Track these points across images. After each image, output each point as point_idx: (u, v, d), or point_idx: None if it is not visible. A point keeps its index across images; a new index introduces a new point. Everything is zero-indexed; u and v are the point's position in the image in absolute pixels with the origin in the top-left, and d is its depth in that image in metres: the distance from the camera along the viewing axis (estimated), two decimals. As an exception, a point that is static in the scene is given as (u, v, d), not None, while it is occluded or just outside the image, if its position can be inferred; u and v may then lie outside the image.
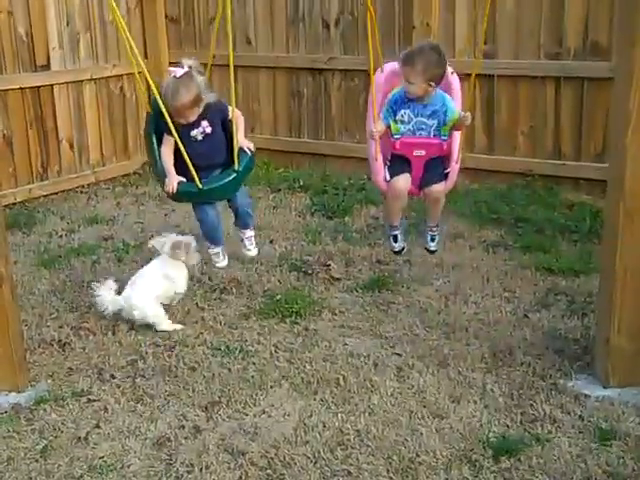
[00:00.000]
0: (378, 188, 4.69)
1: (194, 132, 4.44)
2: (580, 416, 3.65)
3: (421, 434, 3.56)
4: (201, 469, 3.37)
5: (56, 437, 3.63)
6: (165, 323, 4.65)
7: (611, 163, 4.03)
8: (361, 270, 5.44)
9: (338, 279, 5.31)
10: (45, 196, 7.33)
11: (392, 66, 4.58)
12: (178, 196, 4.52)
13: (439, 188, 4.50)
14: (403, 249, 4.85)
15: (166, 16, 8.34)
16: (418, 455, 3.41)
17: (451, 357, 4.22)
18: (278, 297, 4.96)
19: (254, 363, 4.24)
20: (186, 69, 4.34)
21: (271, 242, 6.02)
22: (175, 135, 4.22)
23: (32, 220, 6.70)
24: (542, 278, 5.20)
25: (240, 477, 3.32)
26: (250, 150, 4.54)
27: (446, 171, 4.52)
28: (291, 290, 5.11)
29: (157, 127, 4.46)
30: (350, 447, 3.49)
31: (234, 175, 4.44)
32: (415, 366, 4.15)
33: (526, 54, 6.70)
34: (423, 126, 4.45)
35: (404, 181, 4.46)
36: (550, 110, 6.73)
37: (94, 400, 3.93)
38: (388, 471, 3.32)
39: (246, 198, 4.81)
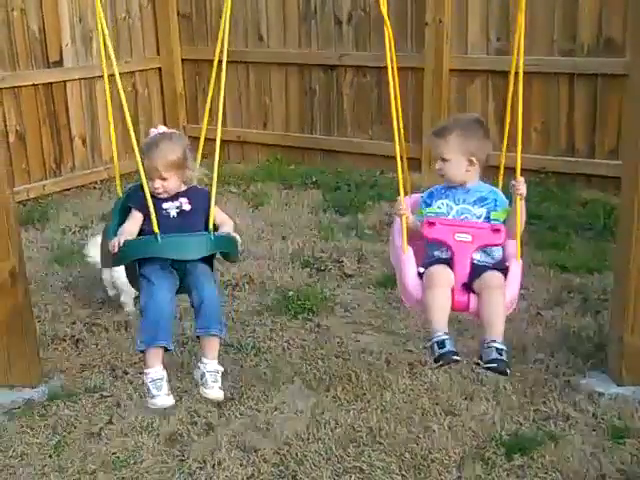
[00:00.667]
0: (405, 297, 3.46)
1: (167, 204, 3.43)
2: (593, 414, 3.65)
3: (433, 431, 3.56)
4: (213, 465, 3.37)
5: (69, 433, 3.65)
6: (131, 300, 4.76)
7: (625, 160, 4.01)
8: (374, 266, 5.43)
9: (351, 276, 5.31)
10: (58, 192, 7.35)
11: (417, 197, 3.68)
12: (125, 250, 3.29)
13: (494, 275, 3.29)
14: (455, 354, 3.18)
15: (178, 13, 8.34)
16: (430, 452, 3.41)
17: (464, 354, 4.19)
18: (290, 294, 4.96)
19: (266, 360, 4.24)
20: (172, 130, 3.62)
21: (283, 238, 6.03)
22: (150, 204, 3.25)
23: (45, 216, 6.72)
24: (555, 275, 5.18)
25: (252, 474, 3.32)
26: (235, 237, 3.48)
27: (504, 265, 3.40)
28: (303, 286, 5.11)
29: (123, 204, 3.54)
30: (362, 444, 3.49)
31: (205, 235, 3.37)
32: (428, 363, 4.12)
33: (539, 50, 6.66)
34: (467, 215, 3.44)
35: (444, 270, 3.29)
36: (563, 107, 6.70)
37: (107, 396, 3.94)
38: (400, 468, 3.32)
39: (214, 290, 3.40)
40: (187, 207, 3.47)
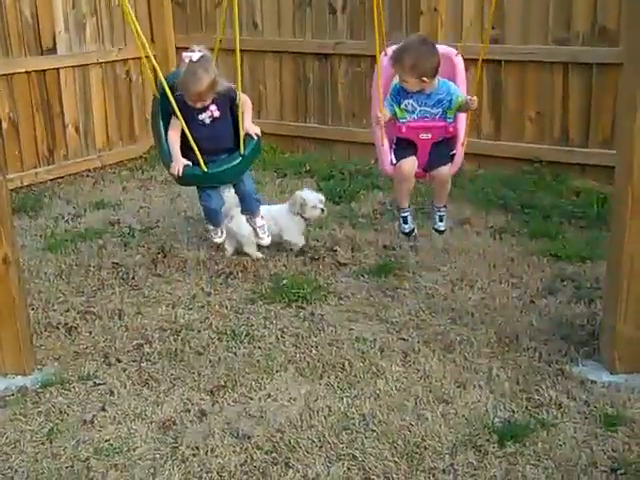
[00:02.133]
0: (384, 173, 4.82)
1: (202, 116, 4.48)
2: (586, 402, 3.66)
3: (426, 419, 3.56)
4: (206, 452, 3.37)
5: (62, 420, 3.64)
6: (252, 248, 5.40)
7: (619, 150, 4.01)
8: (367, 255, 5.43)
9: (344, 264, 5.30)
10: (51, 180, 7.33)
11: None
12: (184, 179, 4.55)
13: (445, 170, 4.63)
14: (413, 230, 4.94)
15: (172, 0, 8.30)
16: (423, 440, 3.41)
17: (457, 342, 4.22)
18: (284, 282, 4.96)
19: (260, 347, 4.24)
20: (201, 53, 4.44)
21: (277, 227, 6.02)
22: (181, 119, 4.31)
23: (38, 204, 6.70)
24: (549, 264, 5.19)
25: (245, 461, 3.32)
26: (257, 135, 4.60)
27: (452, 153, 4.62)
28: (297, 275, 5.11)
29: (164, 110, 4.49)
30: (355, 431, 3.49)
31: (240, 159, 4.49)
32: (421, 351, 4.15)
33: (534, 39, 6.66)
34: (427, 115, 4.52)
35: (410, 164, 4.54)
36: (558, 96, 6.69)
37: (100, 384, 3.93)
38: (393, 455, 3.32)
39: (252, 184, 4.93)
40: (217, 114, 4.53)
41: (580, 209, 5.99)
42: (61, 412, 3.70)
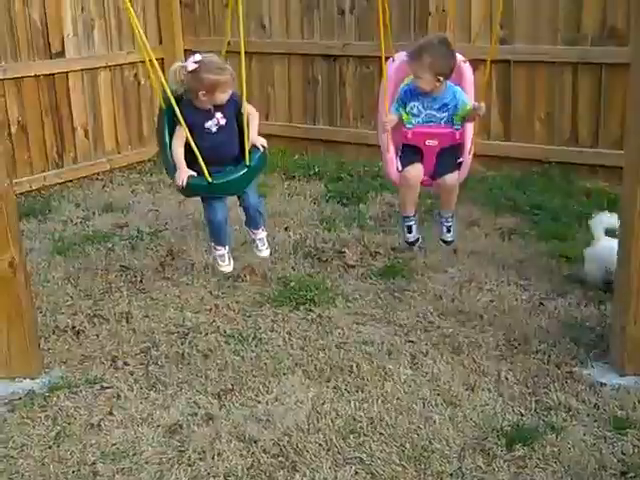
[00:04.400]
0: (390, 180, 4.75)
1: (208, 123, 4.32)
2: (595, 405, 3.63)
3: (434, 422, 3.54)
4: (213, 456, 3.36)
5: (69, 424, 3.64)
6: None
7: (628, 150, 3.98)
8: (376, 257, 5.41)
9: (352, 266, 5.28)
10: (60, 184, 7.33)
11: (403, 55, 4.58)
12: (188, 190, 4.38)
13: (452, 179, 4.55)
14: (418, 240, 4.86)
15: (181, 2, 8.30)
16: (431, 443, 3.39)
17: (465, 345, 4.19)
18: (292, 284, 4.94)
19: (267, 350, 4.23)
20: (201, 56, 4.29)
21: (286, 229, 6.01)
22: (186, 128, 4.14)
23: (47, 207, 6.71)
24: (558, 266, 5.15)
25: (252, 464, 3.31)
26: (263, 147, 4.44)
27: (459, 161, 4.56)
28: (305, 277, 5.09)
29: (170, 121, 4.32)
30: (363, 435, 3.47)
31: (245, 170, 4.36)
32: (429, 354, 4.12)
33: (543, 40, 6.63)
34: (433, 119, 4.47)
35: (416, 171, 4.50)
36: (567, 96, 6.66)
37: (107, 387, 3.93)
38: (400, 459, 3.30)
39: (257, 197, 4.70)
40: (223, 121, 4.35)
41: (590, 210, 5.92)
42: (68, 416, 3.70)
